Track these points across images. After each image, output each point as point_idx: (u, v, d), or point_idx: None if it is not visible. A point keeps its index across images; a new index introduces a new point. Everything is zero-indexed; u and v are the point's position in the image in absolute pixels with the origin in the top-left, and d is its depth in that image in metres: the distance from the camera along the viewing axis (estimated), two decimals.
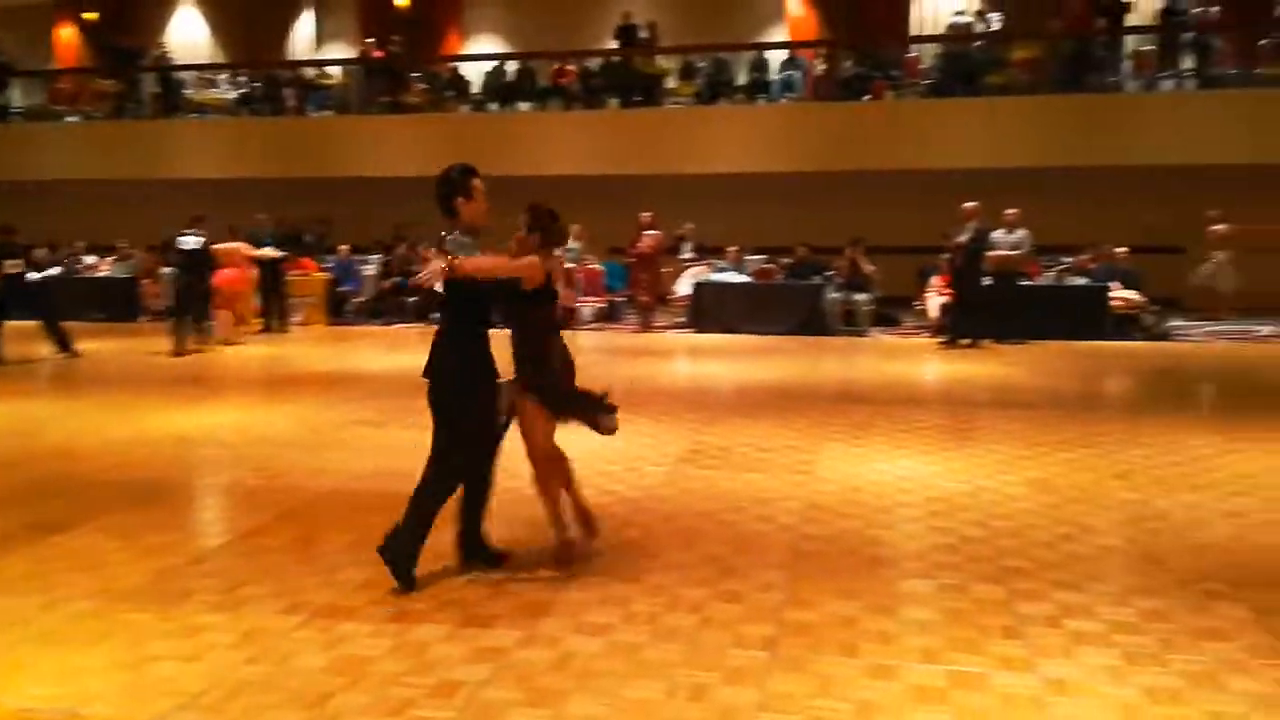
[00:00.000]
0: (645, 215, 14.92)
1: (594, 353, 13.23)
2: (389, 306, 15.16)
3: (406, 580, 4.20)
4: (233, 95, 18.54)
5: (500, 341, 4.35)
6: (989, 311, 13.45)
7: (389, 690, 3.41)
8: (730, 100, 18.02)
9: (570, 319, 14.48)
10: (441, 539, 4.50)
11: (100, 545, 4.88)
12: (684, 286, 15.43)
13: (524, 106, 18.46)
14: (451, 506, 4.41)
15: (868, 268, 15.13)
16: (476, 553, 4.48)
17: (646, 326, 14.77)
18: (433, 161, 5.10)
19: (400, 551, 4.18)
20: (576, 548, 4.60)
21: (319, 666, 3.59)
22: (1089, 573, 4.62)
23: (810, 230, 17.43)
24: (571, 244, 16.77)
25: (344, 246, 16.36)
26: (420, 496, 4.21)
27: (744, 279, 14.72)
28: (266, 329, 13.81)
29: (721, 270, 14.98)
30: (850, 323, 14.92)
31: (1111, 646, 3.83)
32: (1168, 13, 17.51)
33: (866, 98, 17.58)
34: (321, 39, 21.24)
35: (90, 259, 16.66)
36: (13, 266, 10.85)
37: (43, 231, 16.29)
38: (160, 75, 18.81)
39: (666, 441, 7.02)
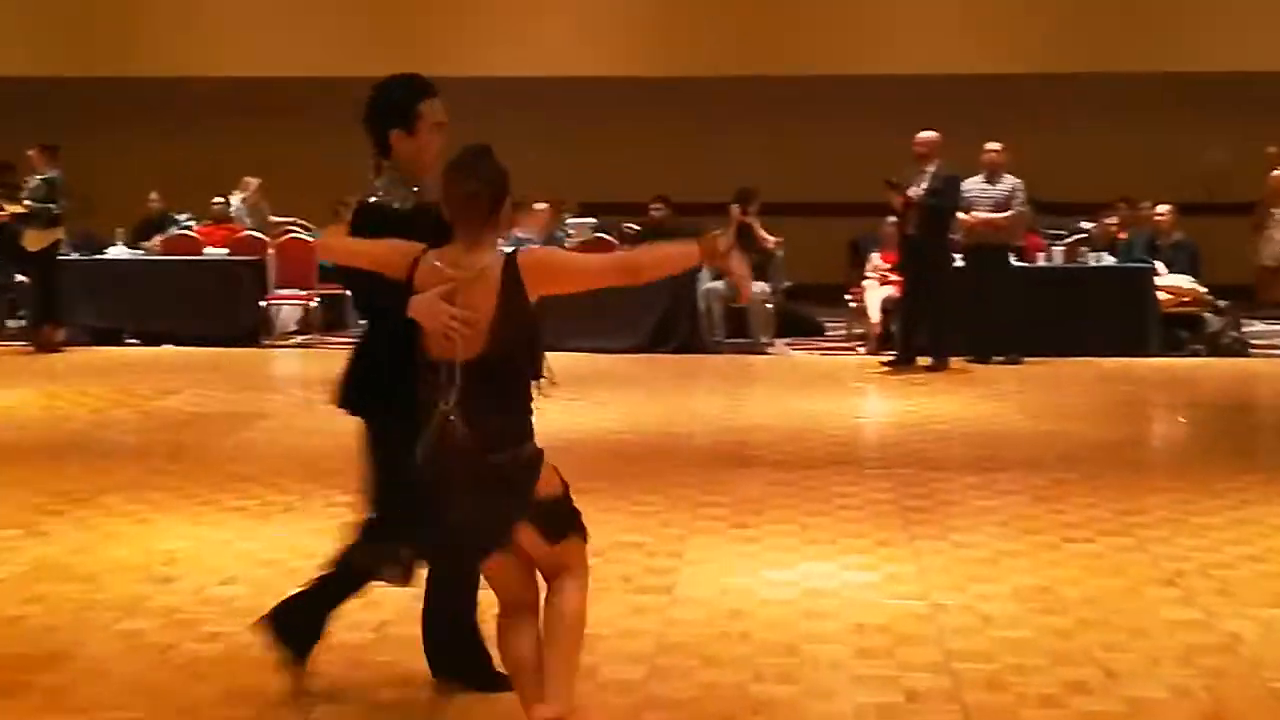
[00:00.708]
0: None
1: (298, 385, 13.18)
2: None
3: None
4: None
5: None
6: (961, 311, 13.73)
7: None
8: None
9: None
10: None
11: None
12: None
13: None
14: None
15: (767, 239, 15.28)
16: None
17: None
18: None
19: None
20: None
21: None
22: None
23: (674, 178, 17.53)
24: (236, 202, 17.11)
25: None
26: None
27: None
28: None
29: (518, 242, 14.92)
30: (739, 331, 15.10)
31: None
32: None
33: None
34: None
35: None
36: None
37: None
38: None
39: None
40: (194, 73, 18.66)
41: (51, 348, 14.70)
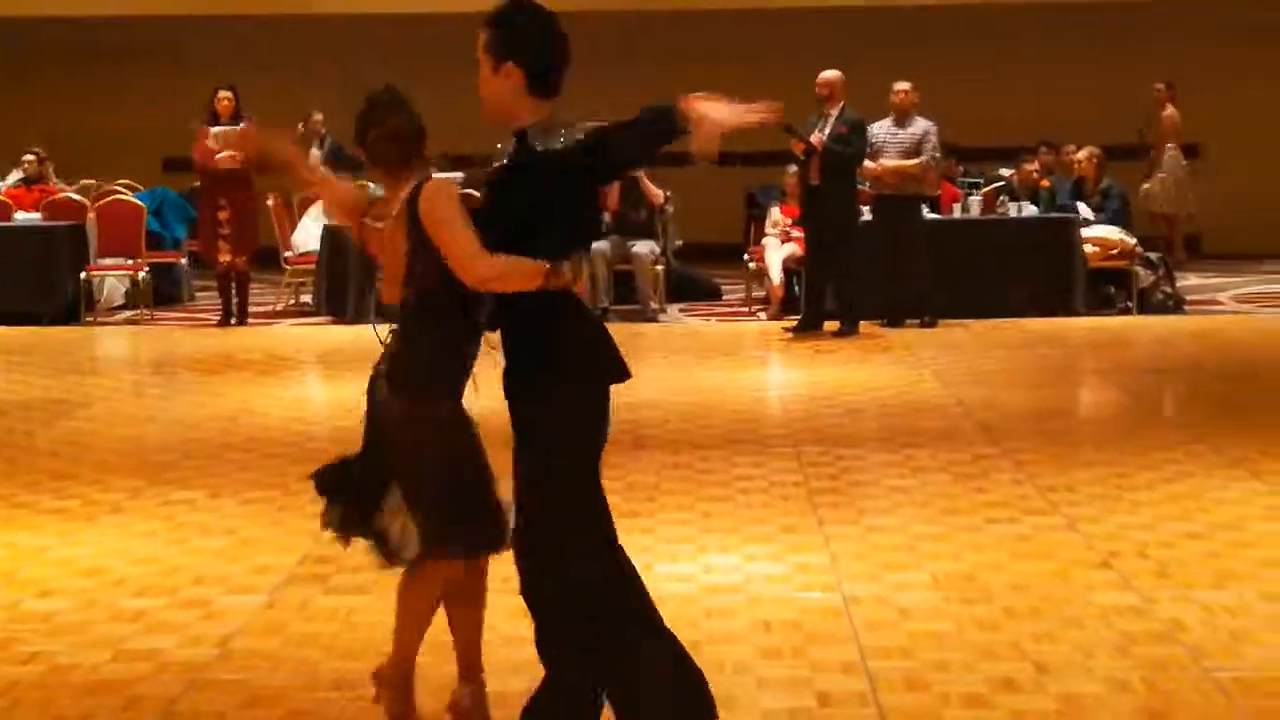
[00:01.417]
0: (223, 94, 14.52)
1: (126, 368, 12.98)
2: None
3: None
4: None
5: None
6: (870, 270, 13.81)
7: None
8: None
9: None
10: None
11: None
12: (307, 235, 15.50)
13: None
14: None
15: (655, 194, 15.26)
16: None
17: (230, 314, 14.68)
18: None
19: None
20: None
21: None
22: None
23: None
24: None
25: None
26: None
27: None
28: None
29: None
30: (627, 297, 15.08)
31: None
32: None
33: None
34: None
35: None
36: None
37: None
38: None
39: (268, 541, 7.01)
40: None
41: None
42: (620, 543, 4.52)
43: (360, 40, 17.52)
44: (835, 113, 13.33)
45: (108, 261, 15.42)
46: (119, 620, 5.89)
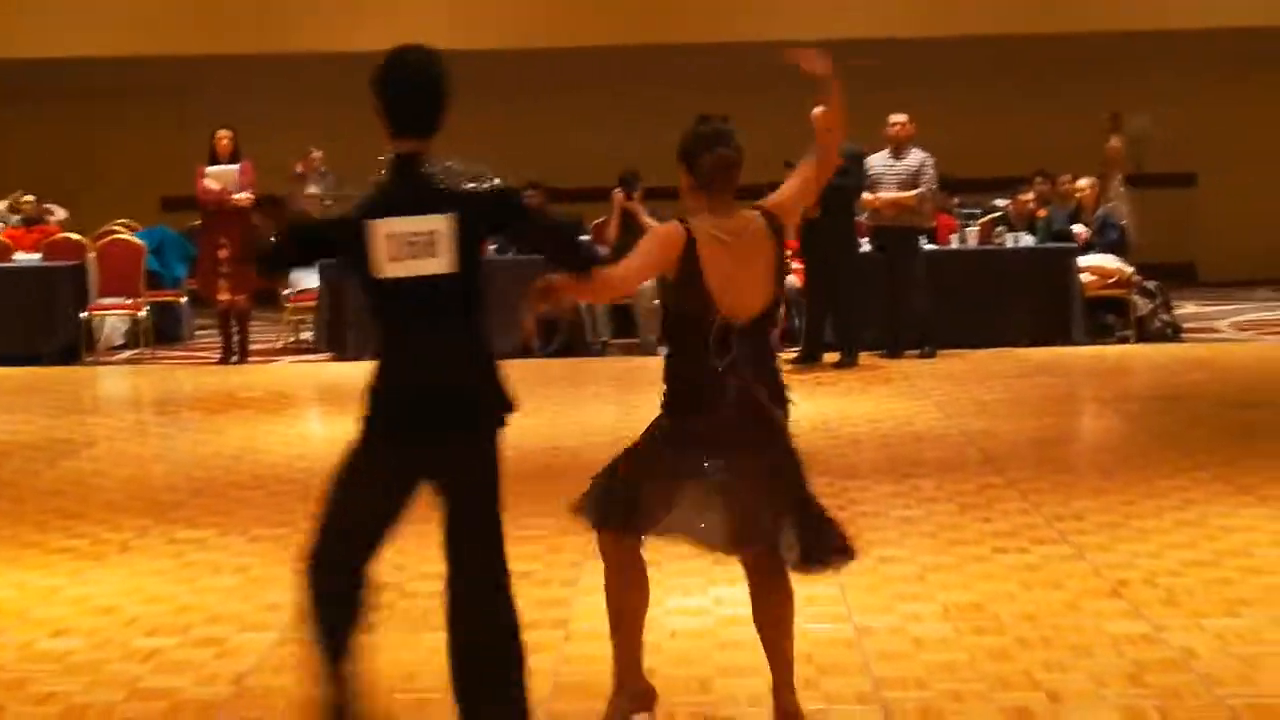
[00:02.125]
0: (222, 133, 14.57)
1: (128, 407, 12.96)
2: None
3: None
4: None
5: None
6: (869, 301, 13.84)
7: None
8: None
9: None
10: None
11: None
12: (306, 272, 15.40)
13: None
14: None
15: (652, 225, 15.30)
16: None
17: (231, 352, 14.69)
18: None
19: None
20: None
21: None
22: None
23: (549, 161, 17.49)
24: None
25: None
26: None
27: None
28: None
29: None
30: (626, 331, 15.10)
31: None
32: None
33: None
34: None
35: None
36: None
37: None
38: None
39: (278, 579, 6.96)
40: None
41: None
42: None
43: (358, 78, 17.53)
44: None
45: (108, 301, 15.43)
46: (132, 659, 5.89)
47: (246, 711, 5.27)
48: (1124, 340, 14.62)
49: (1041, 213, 15.47)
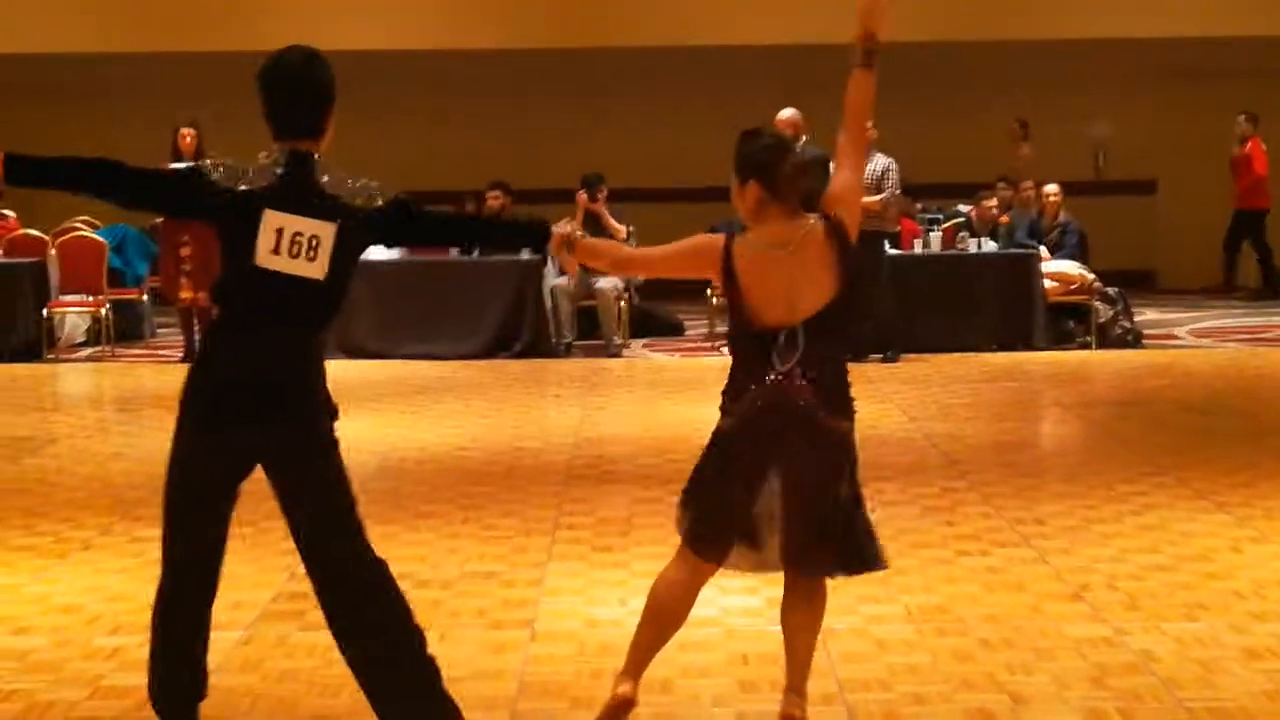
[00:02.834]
0: (186, 130, 14.53)
1: (90, 405, 12.91)
2: None
3: None
4: None
5: None
6: None
7: None
8: None
9: None
10: None
11: None
12: None
13: None
14: None
15: (618, 229, 15.32)
16: None
17: (193, 351, 14.56)
18: None
19: None
20: None
21: None
22: None
23: (513, 163, 17.50)
24: None
25: None
26: None
27: (390, 255, 14.60)
28: None
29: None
30: (590, 332, 15.13)
31: None
32: None
33: None
34: None
35: None
36: None
37: None
38: None
39: (242, 578, 6.91)
40: None
41: None
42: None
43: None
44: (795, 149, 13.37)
45: (69, 298, 15.35)
46: (95, 658, 5.86)
47: (211, 710, 5.22)
48: (1085, 346, 14.70)
49: (1004, 219, 15.54)
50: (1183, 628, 6.05)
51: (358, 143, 16.68)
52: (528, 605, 6.53)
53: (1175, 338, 15.69)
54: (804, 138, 13.45)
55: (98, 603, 6.58)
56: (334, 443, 4.66)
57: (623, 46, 17.77)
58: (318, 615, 6.28)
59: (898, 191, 14.16)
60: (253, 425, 4.54)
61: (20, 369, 14.44)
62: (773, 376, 4.76)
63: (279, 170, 4.53)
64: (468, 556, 7.33)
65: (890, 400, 11.85)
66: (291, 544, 4.83)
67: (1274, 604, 6.33)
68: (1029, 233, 15.45)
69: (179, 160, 14.22)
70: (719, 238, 4.88)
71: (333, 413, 4.67)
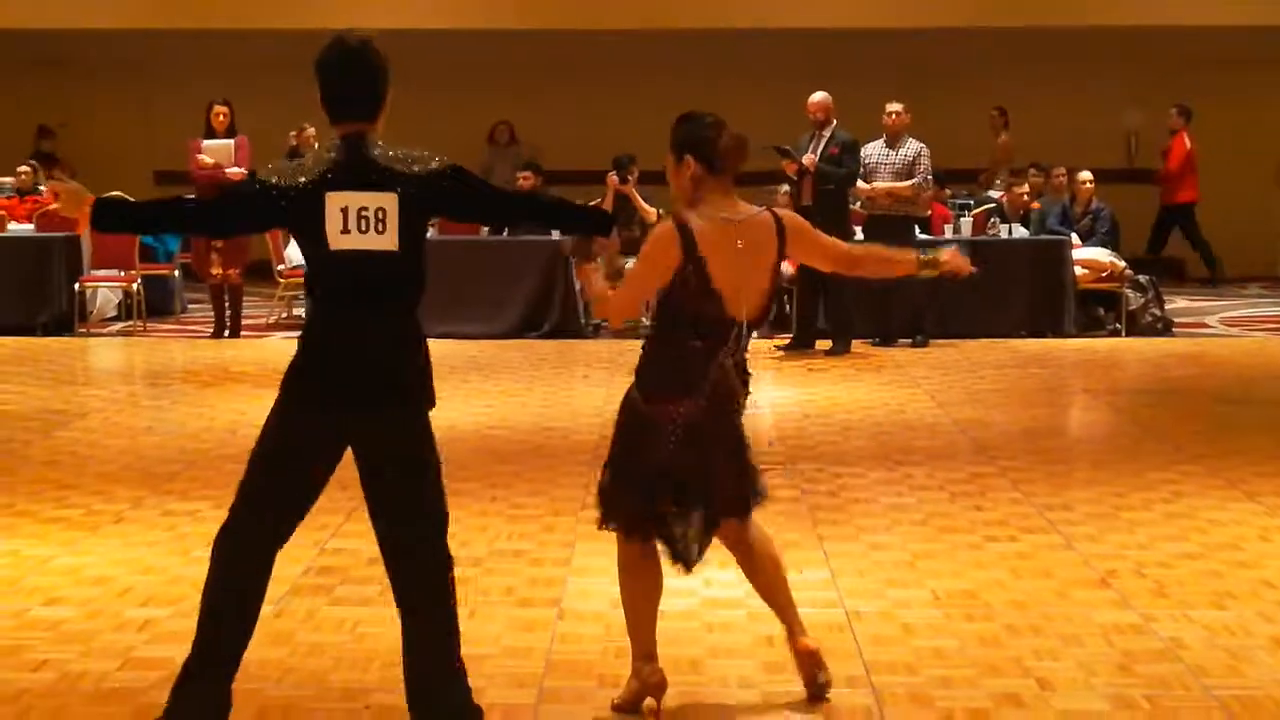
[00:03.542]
0: (219, 108, 14.55)
1: (121, 379, 12.95)
2: None
3: None
4: None
5: None
6: (862, 289, 13.85)
7: None
8: None
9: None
10: None
11: None
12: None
13: None
14: None
15: (649, 211, 15.31)
16: None
17: (224, 326, 14.69)
18: None
19: None
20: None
21: None
22: None
23: (545, 143, 17.51)
24: None
25: None
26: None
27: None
28: None
29: None
30: None
31: None
32: None
33: None
34: None
35: None
36: None
37: None
38: None
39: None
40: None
41: None
42: None
43: None
44: (828, 134, 13.38)
45: (101, 273, 15.42)
46: (126, 629, 5.90)
47: (240, 684, 5.24)
48: (1114, 333, 14.66)
49: (1035, 205, 15.49)
50: (1211, 615, 6.03)
51: (392, 122, 16.72)
52: (555, 584, 6.54)
53: (1206, 326, 15.63)
54: (833, 122, 13.44)
55: (129, 575, 6.62)
56: (429, 432, 4.69)
57: (659, 29, 17.77)
58: (347, 590, 6.37)
59: (929, 177, 14.12)
60: (353, 409, 4.56)
61: (53, 343, 14.51)
62: (717, 361, 4.94)
63: (331, 154, 4.56)
64: (496, 535, 7.36)
65: (919, 385, 11.84)
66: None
67: None
68: (1060, 219, 15.37)
69: (211, 138, 14.27)
70: (667, 224, 4.90)
71: (430, 400, 4.68)
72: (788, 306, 14.46)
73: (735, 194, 4.91)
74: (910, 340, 13.89)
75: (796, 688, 5.24)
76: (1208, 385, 12.00)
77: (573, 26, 17.87)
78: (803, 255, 5.17)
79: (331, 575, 6.58)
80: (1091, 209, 15.43)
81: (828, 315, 13.65)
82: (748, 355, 5.10)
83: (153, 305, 15.75)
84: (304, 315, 4.62)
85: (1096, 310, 14.94)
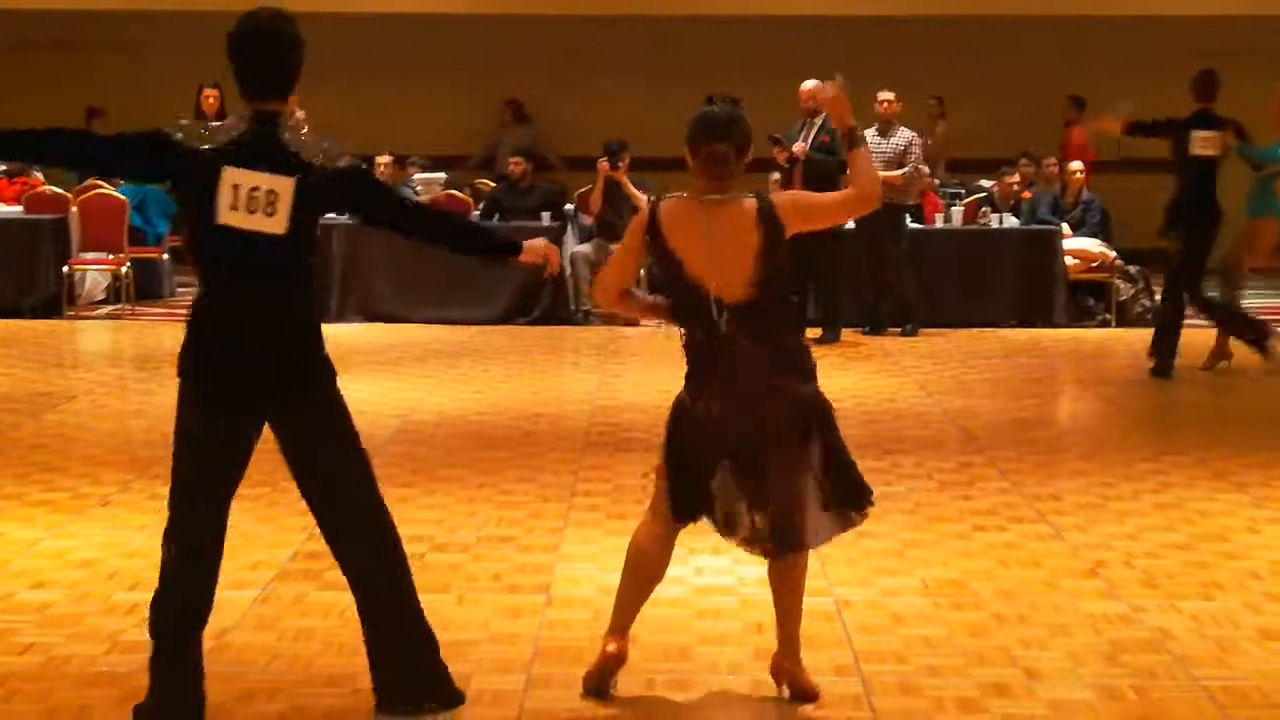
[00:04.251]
0: (209, 90, 14.56)
1: (109, 362, 12.93)
2: None
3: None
4: None
5: None
6: (853, 278, 13.87)
7: None
8: None
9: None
10: None
11: None
12: None
13: None
14: None
15: (639, 198, 15.30)
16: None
17: None
18: None
19: None
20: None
21: None
22: None
23: (551, 126, 17.48)
24: None
25: None
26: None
27: None
28: None
29: None
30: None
31: None
32: None
33: None
34: None
35: None
36: None
37: None
38: None
39: (259, 537, 7.00)
40: None
41: None
42: None
43: (343, 38, 17.52)
44: (819, 122, 13.36)
45: (90, 256, 15.37)
46: (113, 613, 5.90)
47: (226, 668, 5.28)
48: (1105, 324, 14.68)
49: (1026, 194, 15.49)
50: (1199, 606, 6.04)
51: (382, 106, 16.79)
52: (544, 570, 6.55)
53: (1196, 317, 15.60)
54: (824, 111, 13.39)
55: (116, 558, 6.61)
56: (335, 398, 4.70)
57: (651, 15, 17.78)
58: (335, 575, 6.32)
59: (921, 166, 14.13)
60: (248, 386, 4.59)
61: (41, 325, 14.48)
62: (719, 342, 4.95)
63: (241, 129, 4.58)
64: (484, 521, 7.36)
65: (908, 374, 11.84)
66: (305, 505, 4.87)
67: None
68: (1051, 209, 15.37)
69: (202, 119, 14.25)
70: (642, 212, 5.06)
71: (331, 371, 4.72)
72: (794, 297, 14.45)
73: (730, 183, 4.91)
74: (900, 329, 13.90)
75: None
76: (1197, 376, 12.00)
77: (548, 12, 17.87)
78: (811, 222, 5.06)
79: (319, 560, 6.54)
80: (1082, 199, 15.43)
81: (817, 304, 13.64)
82: (803, 342, 5.13)
83: (141, 288, 15.71)
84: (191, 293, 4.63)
85: (1087, 300, 14.95)
